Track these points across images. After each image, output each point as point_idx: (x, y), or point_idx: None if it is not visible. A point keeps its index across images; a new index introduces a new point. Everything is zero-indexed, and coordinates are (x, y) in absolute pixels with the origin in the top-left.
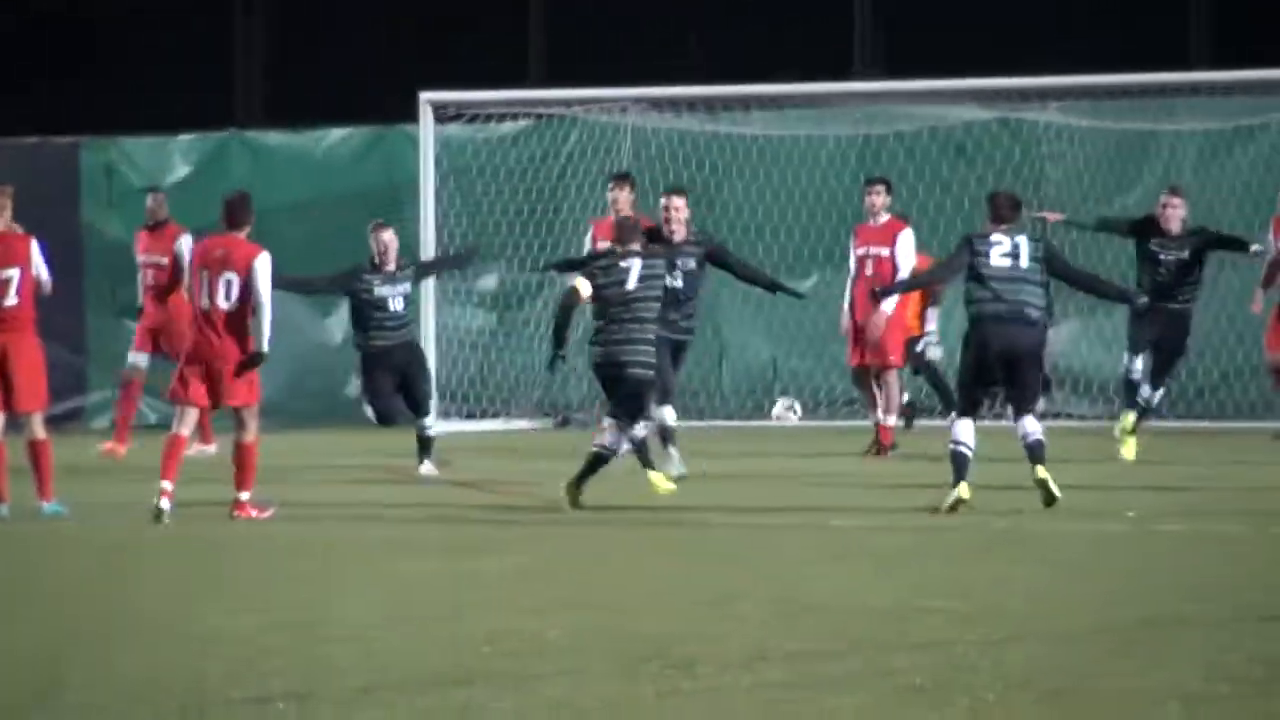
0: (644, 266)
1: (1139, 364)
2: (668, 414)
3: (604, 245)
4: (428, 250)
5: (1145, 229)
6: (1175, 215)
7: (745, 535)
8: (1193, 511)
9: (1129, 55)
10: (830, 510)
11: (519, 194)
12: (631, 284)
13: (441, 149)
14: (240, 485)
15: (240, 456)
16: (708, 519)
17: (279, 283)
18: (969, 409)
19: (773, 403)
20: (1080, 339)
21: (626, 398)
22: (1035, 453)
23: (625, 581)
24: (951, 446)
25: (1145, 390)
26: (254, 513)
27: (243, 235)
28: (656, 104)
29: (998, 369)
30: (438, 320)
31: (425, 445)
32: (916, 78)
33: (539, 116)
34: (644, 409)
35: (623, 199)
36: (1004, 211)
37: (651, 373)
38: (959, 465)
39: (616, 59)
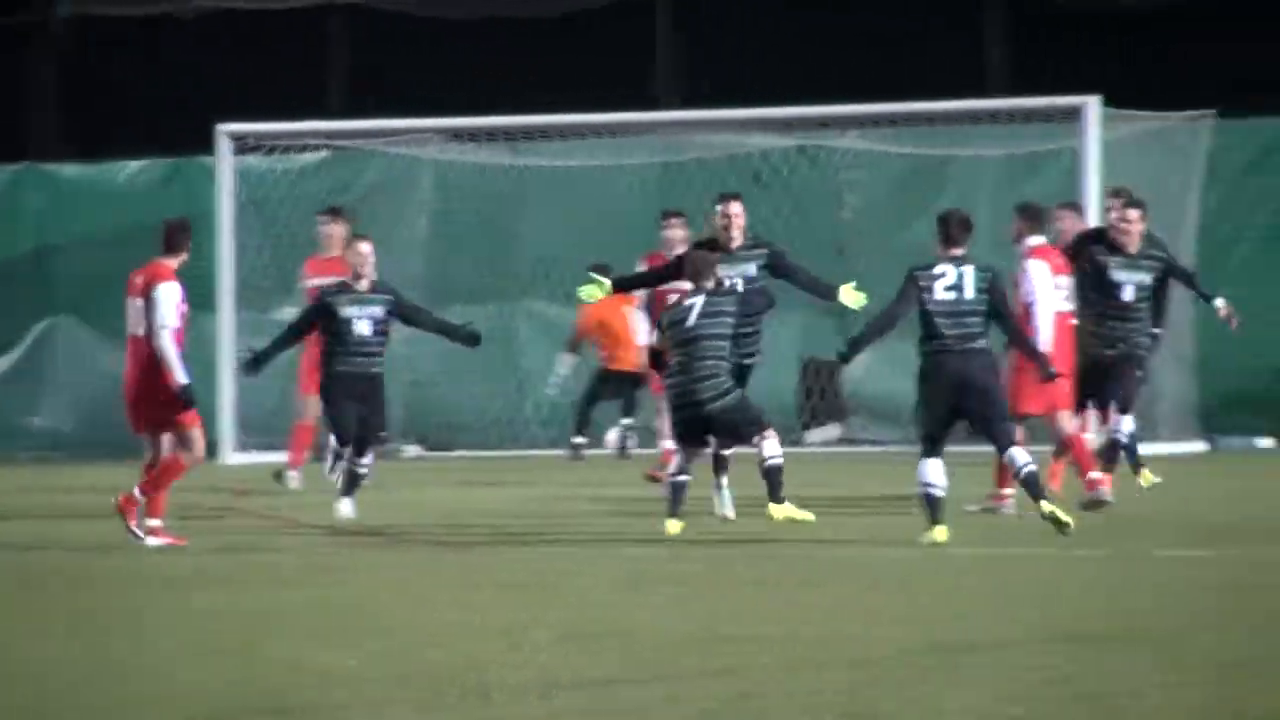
0: (706, 304)
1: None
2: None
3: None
4: (224, 281)
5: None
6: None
7: (540, 564)
8: (991, 535)
9: (926, 83)
10: (625, 539)
11: (318, 225)
12: (692, 320)
13: (240, 180)
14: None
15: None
16: (503, 548)
17: (269, 355)
18: (932, 449)
19: (582, 431)
20: (876, 365)
21: (703, 429)
22: (1031, 488)
23: (421, 610)
24: (920, 489)
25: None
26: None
27: (171, 262)
28: (457, 135)
29: (955, 405)
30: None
31: (353, 481)
32: (716, 107)
33: (338, 148)
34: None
35: (678, 236)
36: (956, 233)
37: (726, 399)
38: (932, 507)
39: (417, 90)
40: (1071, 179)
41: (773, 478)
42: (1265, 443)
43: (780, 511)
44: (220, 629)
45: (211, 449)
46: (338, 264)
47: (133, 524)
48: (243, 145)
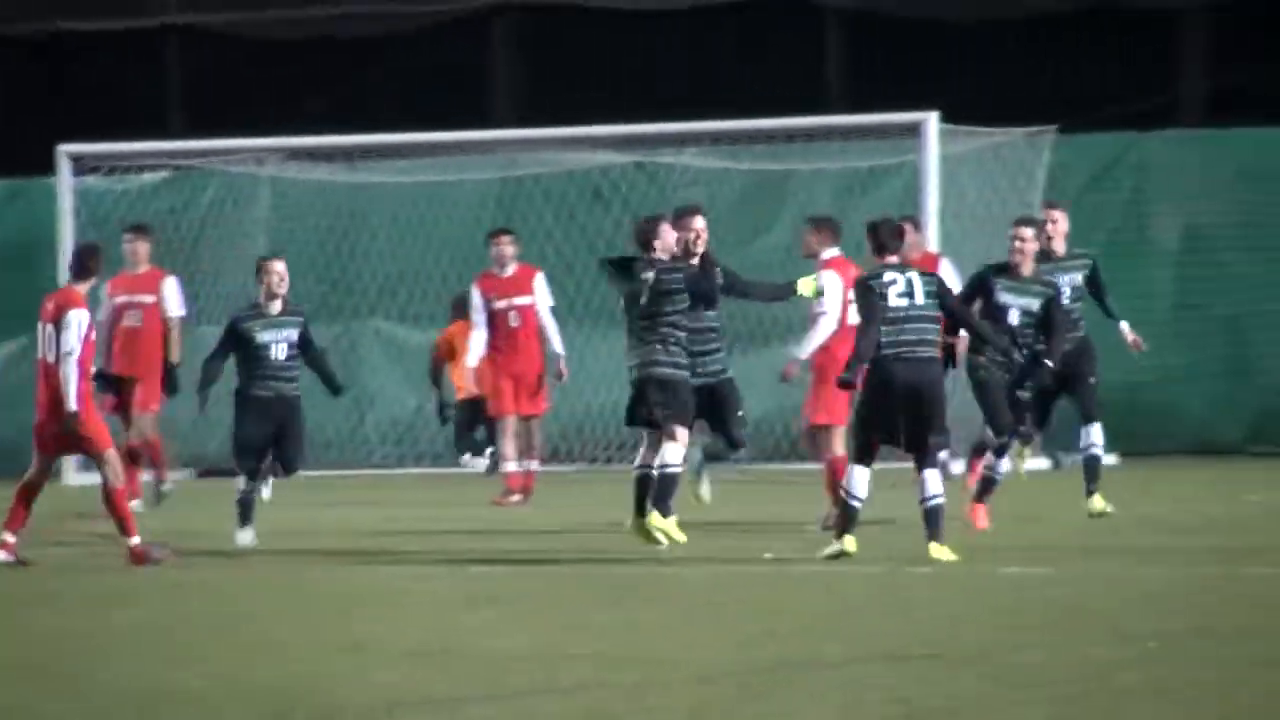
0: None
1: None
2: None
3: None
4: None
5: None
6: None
7: (385, 582)
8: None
9: (765, 99)
10: (468, 557)
11: (159, 245)
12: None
13: (80, 201)
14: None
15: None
16: (346, 567)
17: (206, 388)
18: (864, 456)
19: (421, 449)
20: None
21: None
22: (931, 523)
23: (264, 630)
24: (843, 495)
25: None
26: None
27: (82, 287)
28: (295, 154)
29: (899, 413)
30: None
31: (246, 509)
32: (554, 124)
33: (178, 168)
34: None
35: (508, 253)
36: (887, 240)
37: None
38: (848, 517)
39: (256, 109)
40: (911, 194)
41: (665, 485)
42: (1109, 460)
43: (659, 521)
44: (60, 650)
45: (55, 471)
46: (142, 280)
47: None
48: (83, 166)
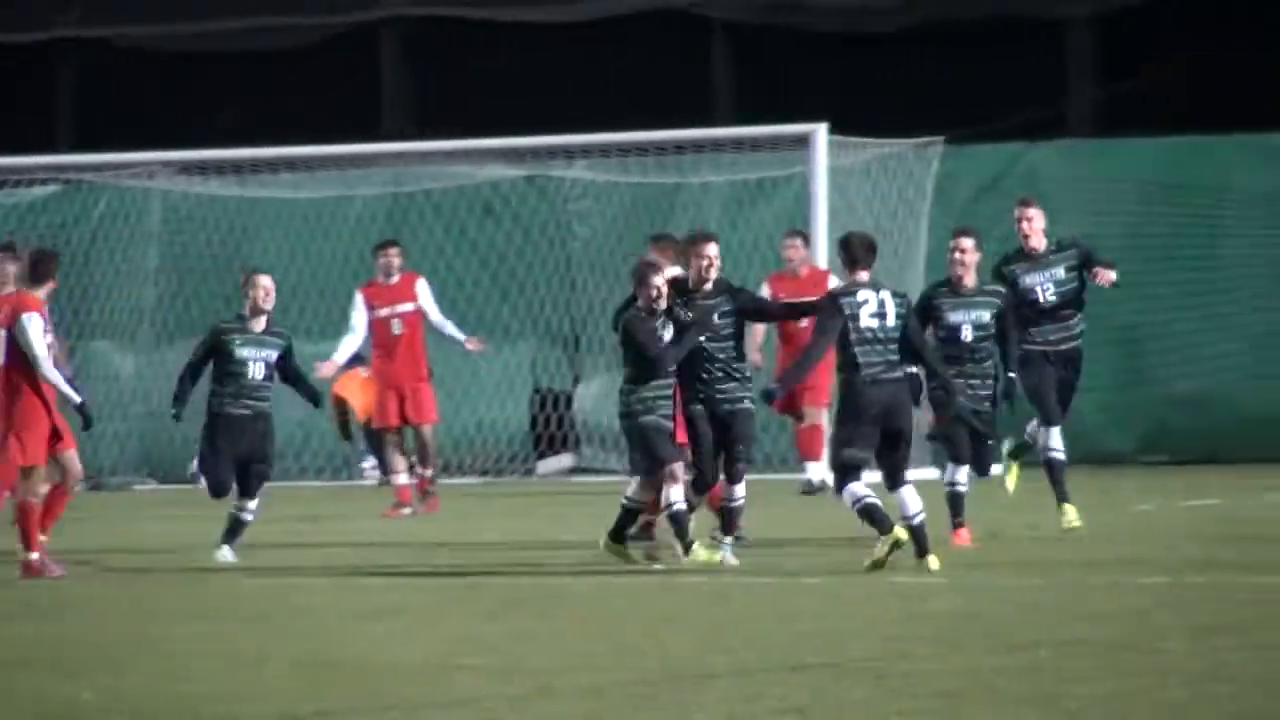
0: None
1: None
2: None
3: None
4: None
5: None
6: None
7: (279, 595)
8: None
9: (654, 112)
10: (360, 570)
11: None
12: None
13: None
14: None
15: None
16: (242, 579)
17: (183, 401)
18: (852, 473)
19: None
20: (607, 395)
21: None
22: (920, 539)
23: (159, 642)
24: (858, 504)
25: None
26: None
27: (38, 292)
28: (186, 169)
29: (884, 432)
30: None
31: (235, 529)
32: (444, 138)
33: (67, 181)
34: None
35: (394, 264)
36: (861, 255)
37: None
38: (876, 517)
39: (144, 123)
40: (800, 205)
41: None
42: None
43: (701, 553)
44: None
45: None
46: (9, 300)
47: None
48: None
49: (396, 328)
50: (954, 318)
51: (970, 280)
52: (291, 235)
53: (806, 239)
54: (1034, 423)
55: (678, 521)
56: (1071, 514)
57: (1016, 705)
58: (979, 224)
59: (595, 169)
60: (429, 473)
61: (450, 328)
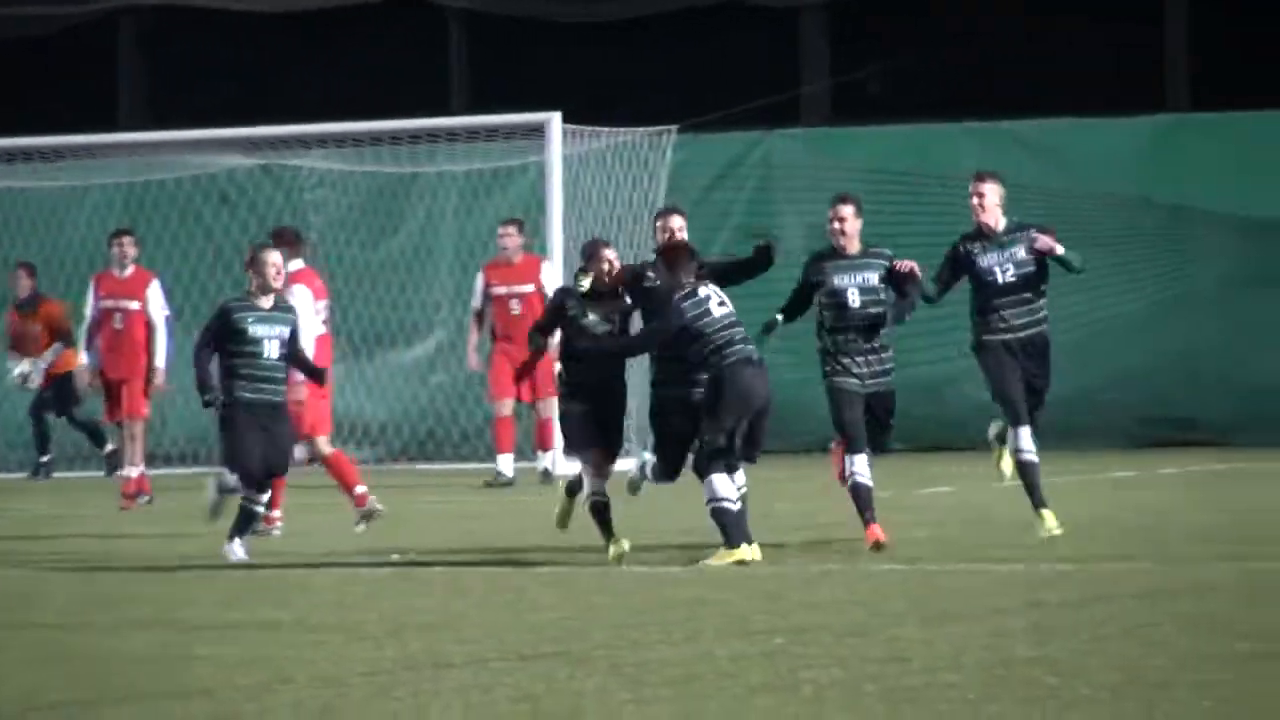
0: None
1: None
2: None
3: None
4: None
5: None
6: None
7: (9, 586)
8: (466, 547)
9: (389, 101)
10: (93, 562)
11: None
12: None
13: None
14: None
15: None
16: None
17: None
18: (725, 464)
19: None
20: (348, 383)
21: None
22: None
23: None
24: (714, 506)
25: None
26: None
27: None
28: None
29: (746, 416)
30: None
31: (247, 520)
32: (180, 128)
33: None
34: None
35: (130, 253)
36: (685, 261)
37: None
38: (728, 525)
39: None
40: (536, 194)
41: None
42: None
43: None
44: None
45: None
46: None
47: None
48: None
49: (118, 322)
50: (839, 281)
51: (853, 247)
52: (26, 226)
53: (521, 226)
54: (995, 424)
55: (595, 513)
56: (1050, 521)
57: (751, 692)
58: (713, 213)
59: (331, 158)
60: (132, 471)
61: (160, 350)
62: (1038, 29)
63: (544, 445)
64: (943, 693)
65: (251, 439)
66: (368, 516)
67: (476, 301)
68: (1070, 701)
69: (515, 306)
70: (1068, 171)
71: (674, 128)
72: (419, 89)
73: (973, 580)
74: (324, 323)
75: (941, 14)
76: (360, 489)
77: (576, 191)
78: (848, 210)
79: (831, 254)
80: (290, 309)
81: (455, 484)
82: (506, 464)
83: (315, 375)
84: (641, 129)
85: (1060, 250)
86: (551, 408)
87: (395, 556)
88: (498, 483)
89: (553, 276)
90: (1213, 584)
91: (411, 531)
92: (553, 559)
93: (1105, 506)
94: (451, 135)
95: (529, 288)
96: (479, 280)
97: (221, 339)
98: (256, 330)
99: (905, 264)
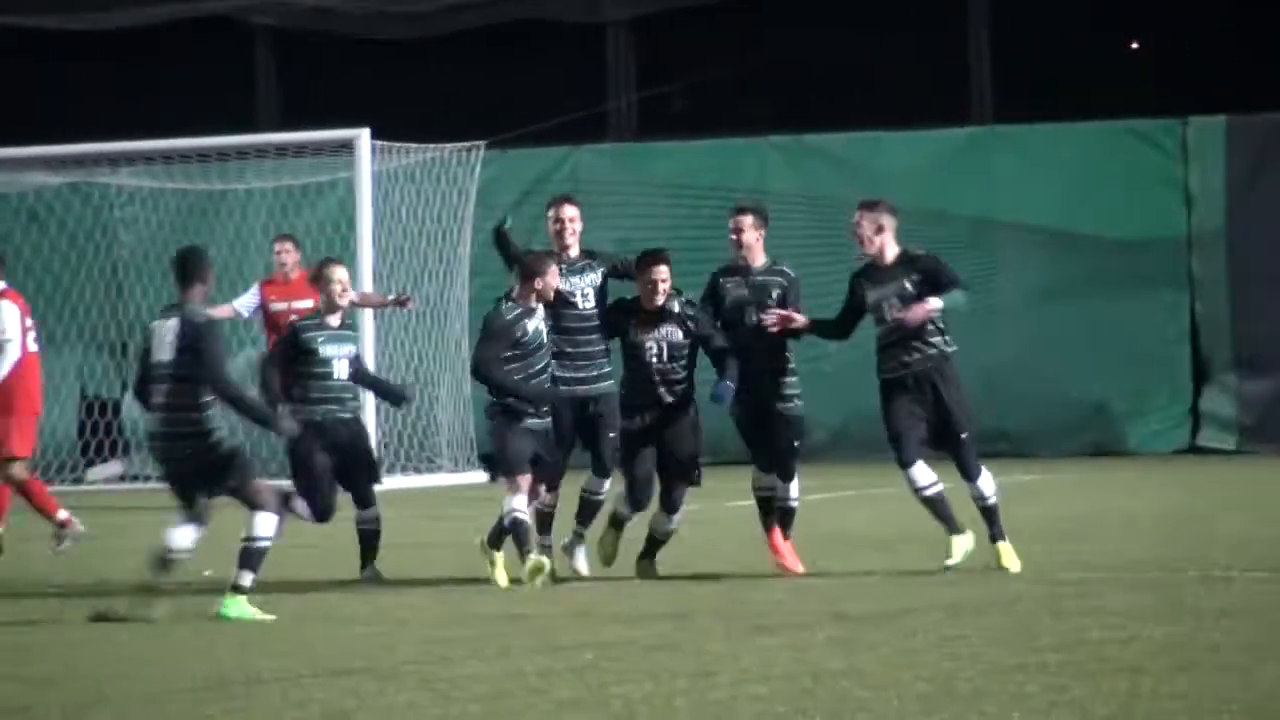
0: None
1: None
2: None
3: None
4: None
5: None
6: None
7: None
8: (287, 569)
9: (198, 118)
10: None
11: None
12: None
13: None
14: None
15: None
16: None
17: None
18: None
19: None
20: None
21: None
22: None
23: None
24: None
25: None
26: None
27: None
28: None
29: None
30: None
31: (370, 544)
32: None
33: None
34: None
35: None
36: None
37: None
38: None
39: None
40: (345, 210)
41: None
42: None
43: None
44: None
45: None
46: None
47: None
48: None
49: None
50: (739, 296)
51: (758, 259)
52: None
53: (296, 242)
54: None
55: (513, 528)
56: (959, 549)
57: (560, 708)
58: (524, 226)
59: (141, 176)
60: None
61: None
62: (842, 44)
63: None
64: (751, 705)
65: (323, 466)
66: (70, 538)
67: (246, 314)
68: (881, 714)
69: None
70: (870, 185)
71: (482, 144)
72: (228, 106)
73: (780, 593)
74: (34, 340)
75: (746, 30)
76: (61, 514)
77: (386, 208)
78: (746, 220)
79: (733, 272)
80: (354, 328)
81: None
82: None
83: (393, 395)
84: (450, 145)
85: (937, 311)
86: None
87: (207, 573)
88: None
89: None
90: (1020, 595)
91: (219, 549)
92: (354, 572)
93: (913, 519)
94: (260, 152)
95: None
96: (255, 295)
97: (290, 360)
98: (327, 350)
99: (771, 317)
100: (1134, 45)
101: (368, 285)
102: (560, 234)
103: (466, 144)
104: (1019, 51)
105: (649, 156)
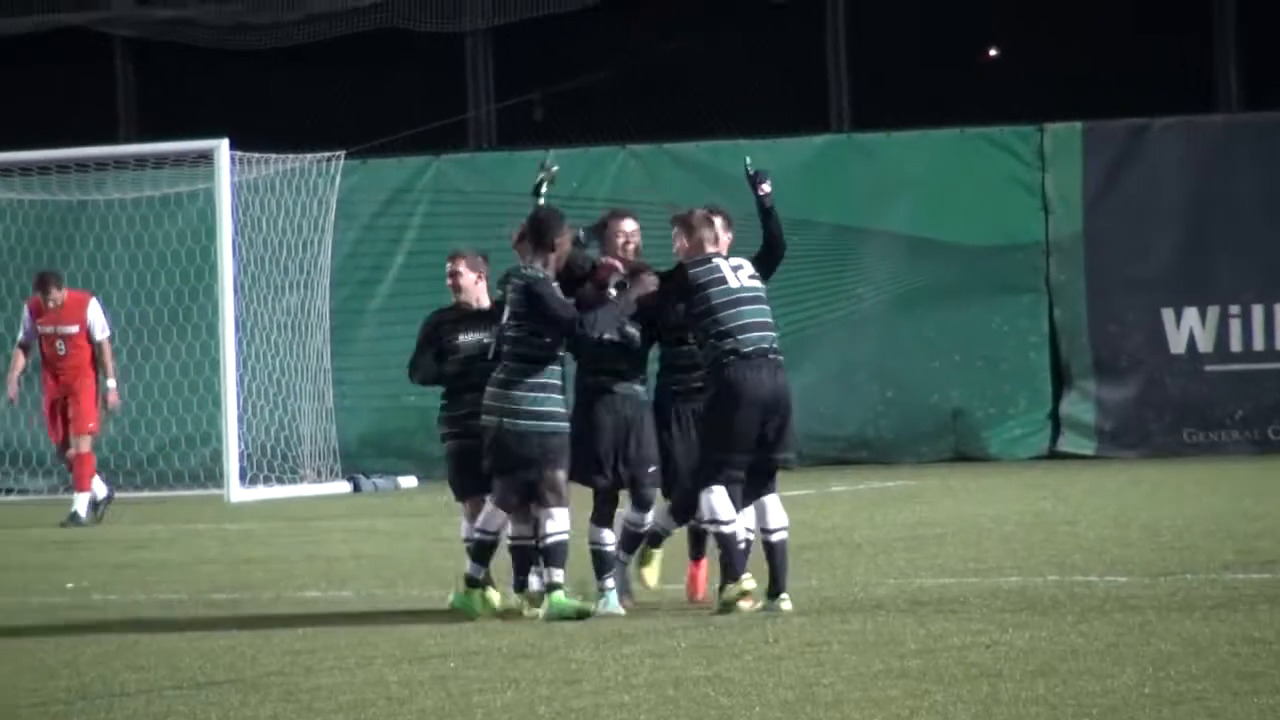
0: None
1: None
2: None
3: None
4: None
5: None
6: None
7: None
8: (129, 578)
9: (57, 130)
10: None
11: None
12: None
13: None
14: None
15: None
16: None
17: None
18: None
19: None
20: (22, 412)
21: None
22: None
23: None
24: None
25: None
26: None
27: None
28: None
29: None
30: None
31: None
32: None
33: None
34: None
35: None
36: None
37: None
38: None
39: None
40: (205, 221)
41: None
42: (408, 481)
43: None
44: None
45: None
46: None
47: None
48: None
49: None
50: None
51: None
52: None
53: (59, 281)
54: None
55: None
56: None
57: (423, 717)
58: (384, 236)
59: None
60: None
61: None
62: (702, 52)
63: (79, 485)
64: (614, 714)
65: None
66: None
67: (22, 336)
68: None
69: (60, 346)
70: (729, 192)
71: (342, 154)
72: (87, 117)
73: (642, 602)
74: None
75: (606, 39)
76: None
77: (246, 218)
78: (628, 225)
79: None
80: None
81: (129, 512)
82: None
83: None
84: (310, 155)
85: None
86: (86, 444)
87: (70, 585)
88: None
89: (97, 315)
90: (880, 601)
91: (83, 561)
92: (220, 585)
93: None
94: (120, 163)
95: (74, 328)
96: (26, 316)
97: (435, 348)
98: (467, 338)
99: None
100: (992, 53)
101: (229, 295)
102: (625, 248)
103: (326, 154)
104: (878, 60)
105: (510, 165)
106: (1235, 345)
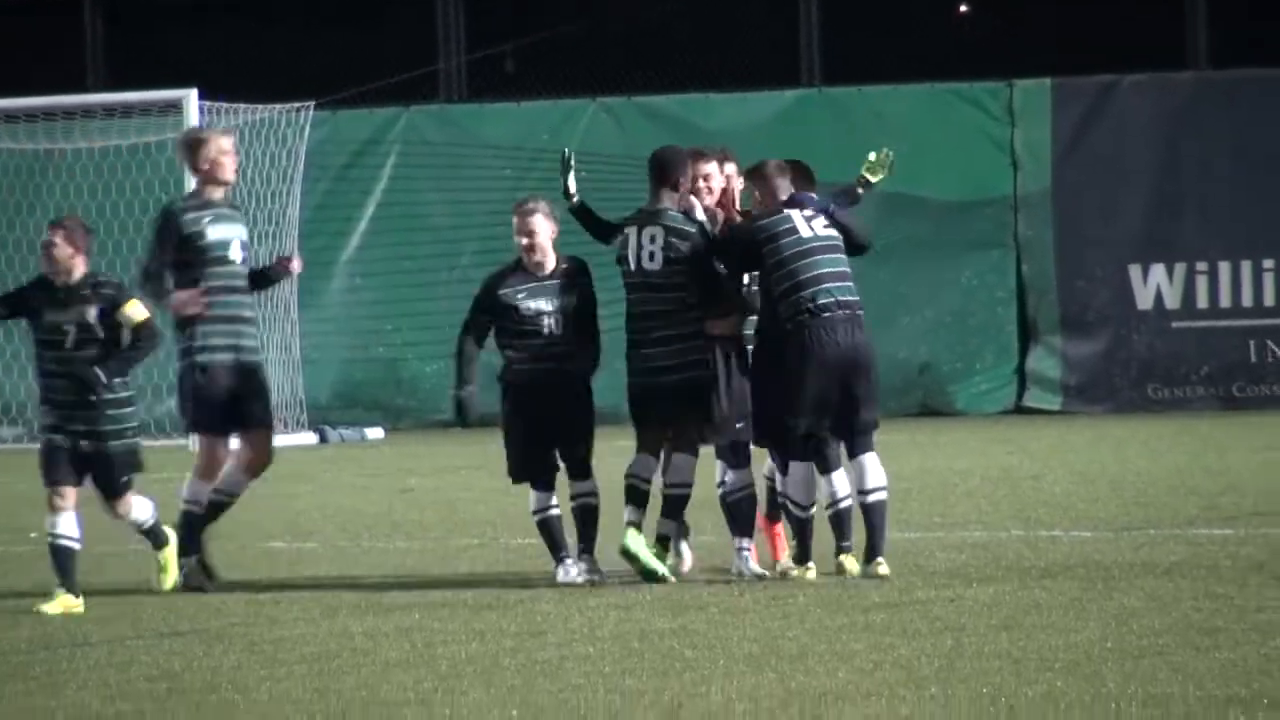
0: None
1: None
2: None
3: None
4: None
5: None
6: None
7: None
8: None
9: (25, 79)
10: None
11: None
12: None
13: None
14: None
15: None
16: None
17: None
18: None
19: None
20: None
21: None
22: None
23: None
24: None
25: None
26: None
27: None
28: None
29: None
30: None
31: (588, 521)
32: None
33: None
34: None
35: None
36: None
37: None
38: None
39: None
40: (174, 170)
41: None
42: (375, 433)
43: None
44: None
45: None
46: None
47: None
48: None
49: None
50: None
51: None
52: None
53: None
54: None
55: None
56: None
57: (388, 668)
58: (354, 188)
59: None
60: None
61: None
62: (673, 5)
63: None
64: (579, 665)
65: (534, 429)
66: None
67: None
68: (707, 673)
69: None
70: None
71: (311, 104)
72: (55, 66)
73: (604, 555)
74: None
75: None
76: None
77: None
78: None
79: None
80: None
81: None
82: None
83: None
84: (279, 106)
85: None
86: None
87: (33, 535)
88: None
89: None
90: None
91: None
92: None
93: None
94: (88, 113)
95: None
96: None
97: (488, 306)
98: (529, 304)
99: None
100: (963, 8)
101: None
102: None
103: (296, 104)
104: (848, 14)
105: (480, 118)
106: (1202, 302)
